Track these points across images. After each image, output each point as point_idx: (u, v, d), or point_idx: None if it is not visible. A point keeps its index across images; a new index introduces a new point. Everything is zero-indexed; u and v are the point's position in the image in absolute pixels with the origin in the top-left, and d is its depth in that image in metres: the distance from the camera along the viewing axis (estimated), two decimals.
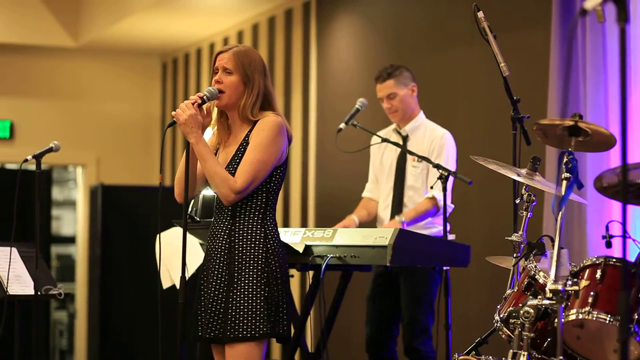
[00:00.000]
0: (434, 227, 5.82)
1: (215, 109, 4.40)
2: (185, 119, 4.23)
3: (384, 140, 5.80)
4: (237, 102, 4.31)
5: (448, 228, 5.85)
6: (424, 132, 5.92)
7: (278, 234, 4.32)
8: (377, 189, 6.07)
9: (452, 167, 5.76)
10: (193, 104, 4.26)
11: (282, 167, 4.32)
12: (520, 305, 4.12)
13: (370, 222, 6.13)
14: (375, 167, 6.10)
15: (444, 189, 5.39)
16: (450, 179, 5.63)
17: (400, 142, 5.89)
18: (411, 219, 5.67)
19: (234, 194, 4.20)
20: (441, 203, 5.69)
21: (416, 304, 5.73)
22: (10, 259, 5.26)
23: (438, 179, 5.44)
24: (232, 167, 4.27)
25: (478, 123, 7.01)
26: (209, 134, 4.48)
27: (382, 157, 6.04)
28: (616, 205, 5.63)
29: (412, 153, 5.73)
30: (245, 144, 4.29)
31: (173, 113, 4.28)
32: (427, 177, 5.84)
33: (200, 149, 4.23)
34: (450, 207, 5.76)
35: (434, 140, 5.86)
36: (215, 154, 4.36)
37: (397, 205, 5.89)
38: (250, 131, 4.30)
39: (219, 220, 4.32)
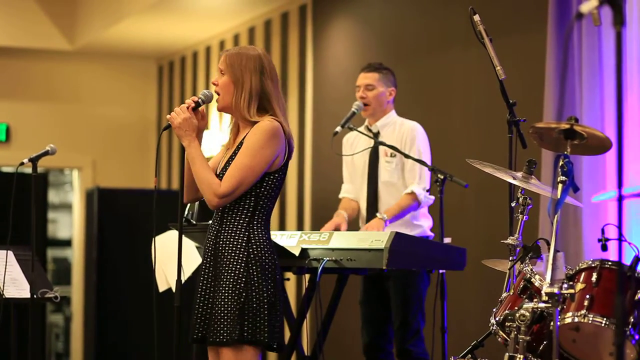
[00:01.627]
0: (418, 228, 5.80)
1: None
2: (179, 122, 4.23)
3: (381, 143, 5.79)
4: (232, 104, 4.29)
5: (430, 225, 5.85)
6: (393, 127, 5.91)
7: (267, 240, 4.23)
8: (354, 189, 6.06)
9: (426, 159, 5.76)
10: (188, 107, 4.26)
11: (275, 174, 4.25)
12: (516, 308, 4.13)
13: (353, 221, 6.09)
14: (348, 168, 6.09)
15: (440, 192, 5.39)
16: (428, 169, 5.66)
17: (372, 142, 5.89)
18: (393, 216, 5.66)
19: (217, 198, 4.17)
20: (421, 197, 5.69)
21: (406, 307, 5.72)
22: (6, 262, 5.26)
23: (435, 182, 5.45)
24: (224, 170, 4.26)
25: (474, 126, 7.01)
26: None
27: (352, 157, 6.04)
28: (612, 208, 5.64)
29: (395, 149, 5.70)
30: (240, 147, 4.27)
31: (168, 116, 4.29)
32: (402, 172, 5.83)
33: (191, 152, 4.23)
34: (430, 198, 5.76)
35: (404, 133, 5.85)
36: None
37: (373, 202, 5.88)
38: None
39: (212, 223, 4.32)
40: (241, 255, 4.16)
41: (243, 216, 4.21)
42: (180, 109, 4.26)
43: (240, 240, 4.18)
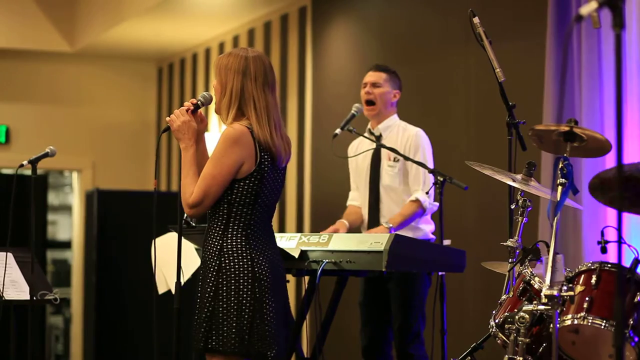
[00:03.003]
0: (420, 231, 5.79)
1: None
2: (178, 125, 4.21)
3: (381, 145, 5.79)
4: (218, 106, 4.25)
5: (432, 229, 5.84)
6: (397, 131, 5.91)
7: (243, 249, 4.11)
8: (359, 196, 6.05)
9: (429, 165, 5.76)
10: (187, 110, 4.24)
11: (246, 180, 4.12)
12: (516, 310, 4.13)
13: (358, 227, 6.10)
14: (353, 173, 6.09)
15: (440, 194, 5.39)
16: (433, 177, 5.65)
17: (374, 145, 5.89)
18: (398, 224, 5.64)
19: (188, 208, 4.13)
20: (425, 204, 5.69)
21: (406, 309, 5.71)
22: (5, 264, 5.26)
23: (434, 184, 5.44)
24: None
25: (473, 128, 7.02)
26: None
27: (357, 162, 6.04)
28: (611, 211, 5.64)
29: (396, 152, 5.70)
30: None
31: (167, 119, 4.28)
32: (405, 177, 5.83)
33: (185, 156, 4.20)
34: (435, 205, 5.75)
35: (408, 138, 5.84)
36: None
37: (374, 205, 5.87)
38: None
39: None
40: (214, 264, 4.12)
41: (219, 223, 4.16)
42: (179, 112, 4.24)
43: (214, 249, 4.14)
